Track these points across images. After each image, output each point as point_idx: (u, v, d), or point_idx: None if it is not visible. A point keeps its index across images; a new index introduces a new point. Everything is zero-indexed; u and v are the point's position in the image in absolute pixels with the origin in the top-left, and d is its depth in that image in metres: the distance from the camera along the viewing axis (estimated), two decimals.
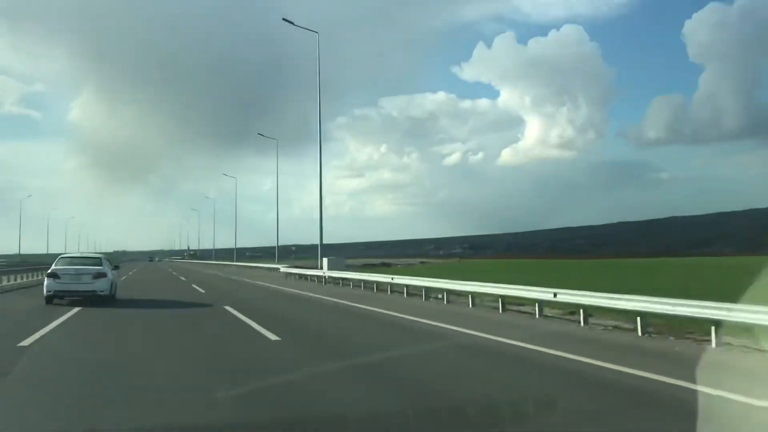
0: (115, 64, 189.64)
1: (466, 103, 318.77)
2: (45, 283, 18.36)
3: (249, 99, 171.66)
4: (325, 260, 35.74)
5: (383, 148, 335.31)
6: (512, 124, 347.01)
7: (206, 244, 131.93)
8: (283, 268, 44.23)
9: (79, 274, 18.31)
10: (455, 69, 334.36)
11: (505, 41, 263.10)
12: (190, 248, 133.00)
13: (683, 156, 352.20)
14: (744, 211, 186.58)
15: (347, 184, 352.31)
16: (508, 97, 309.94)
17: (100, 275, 18.51)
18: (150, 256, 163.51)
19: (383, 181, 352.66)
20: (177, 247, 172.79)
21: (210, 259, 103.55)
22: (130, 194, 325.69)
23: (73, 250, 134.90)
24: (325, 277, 32.74)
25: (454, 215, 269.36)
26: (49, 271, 18.74)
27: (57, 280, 18.02)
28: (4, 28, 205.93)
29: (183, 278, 39.89)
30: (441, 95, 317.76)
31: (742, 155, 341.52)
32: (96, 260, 20.21)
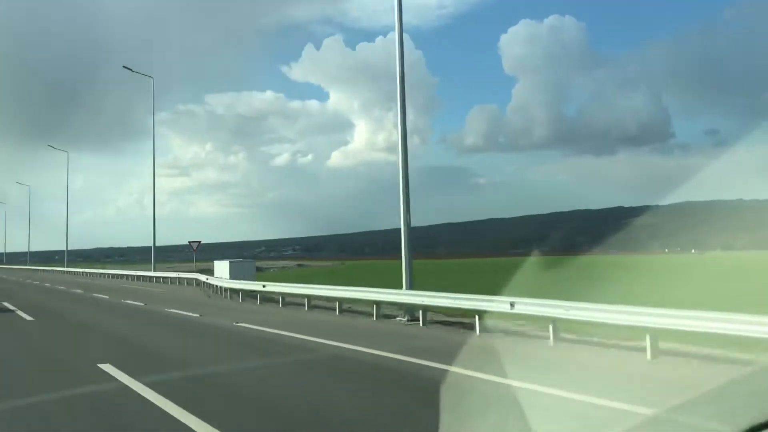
0: None
1: (296, 104, 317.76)
2: None
3: (59, 90, 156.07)
4: (225, 264, 28.22)
5: (209, 147, 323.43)
6: (342, 127, 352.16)
7: (13, 247, 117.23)
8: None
9: None
10: (284, 68, 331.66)
11: (334, 44, 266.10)
12: None
13: (498, 162, 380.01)
14: (549, 214, 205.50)
15: (170, 183, 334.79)
16: (338, 100, 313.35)
17: None
18: None
19: (209, 181, 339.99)
20: None
21: (24, 263, 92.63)
22: None
23: None
24: (225, 289, 23.94)
25: (284, 217, 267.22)
26: None
27: None
28: None
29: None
30: (269, 94, 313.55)
31: (550, 164, 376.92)
32: None
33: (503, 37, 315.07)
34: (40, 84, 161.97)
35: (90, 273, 52.60)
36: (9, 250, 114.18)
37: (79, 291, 29.07)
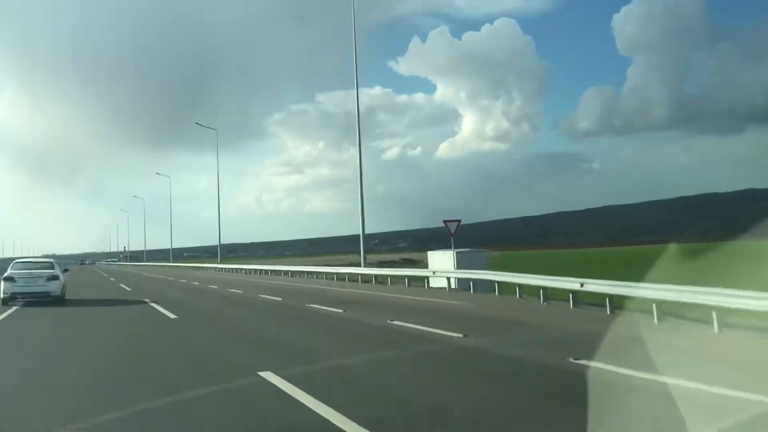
0: (38, 62, 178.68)
1: (403, 98, 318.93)
2: (2, 286, 18.78)
3: (182, 96, 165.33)
4: (449, 255, 22.78)
5: (321, 144, 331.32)
6: (449, 118, 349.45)
7: (140, 245, 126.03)
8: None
9: (33, 277, 19.23)
10: (391, 63, 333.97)
11: (439, 35, 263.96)
12: (125, 249, 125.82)
13: (613, 146, 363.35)
14: (674, 199, 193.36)
15: (285, 181, 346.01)
16: (445, 91, 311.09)
17: (53, 278, 19.39)
18: (81, 259, 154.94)
19: (322, 177, 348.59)
20: (110, 249, 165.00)
21: (142, 260, 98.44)
22: (59, 196, 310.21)
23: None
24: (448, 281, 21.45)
25: (395, 210, 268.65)
26: (5, 275, 19.16)
27: (13, 283, 18.81)
28: None
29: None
30: (378, 90, 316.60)
31: (669, 146, 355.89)
32: (48, 264, 20.78)
33: (616, 17, 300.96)
34: (165, 91, 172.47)
35: (227, 269, 49.91)
36: (135, 248, 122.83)
37: (239, 291, 24.27)
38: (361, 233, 30.07)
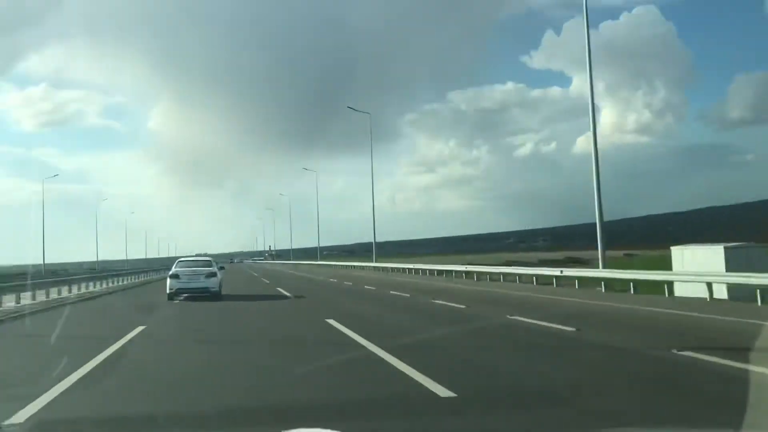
0: (189, 72, 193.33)
1: (537, 92, 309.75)
2: (168, 282, 20.76)
3: (319, 101, 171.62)
4: (715, 251, 17.74)
5: (452, 143, 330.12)
6: (586, 111, 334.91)
7: (283, 244, 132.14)
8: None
9: (194, 274, 20.93)
10: (524, 58, 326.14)
11: (574, 26, 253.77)
12: (272, 248, 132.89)
13: None
14: None
15: (418, 180, 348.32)
16: (581, 84, 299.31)
17: (212, 275, 21.04)
18: (230, 257, 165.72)
19: (454, 176, 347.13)
20: (256, 248, 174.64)
21: (288, 258, 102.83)
22: (209, 198, 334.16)
23: (153, 255, 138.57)
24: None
25: (529, 207, 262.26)
26: (170, 272, 21.17)
27: (178, 280, 20.55)
28: (84, 42, 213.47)
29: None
30: (510, 86, 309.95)
31: None
32: (207, 262, 22.72)
33: None
34: (302, 98, 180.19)
35: (377, 268, 48.02)
36: (278, 246, 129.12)
37: (407, 294, 21.70)
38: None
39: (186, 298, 20.16)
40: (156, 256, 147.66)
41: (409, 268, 42.03)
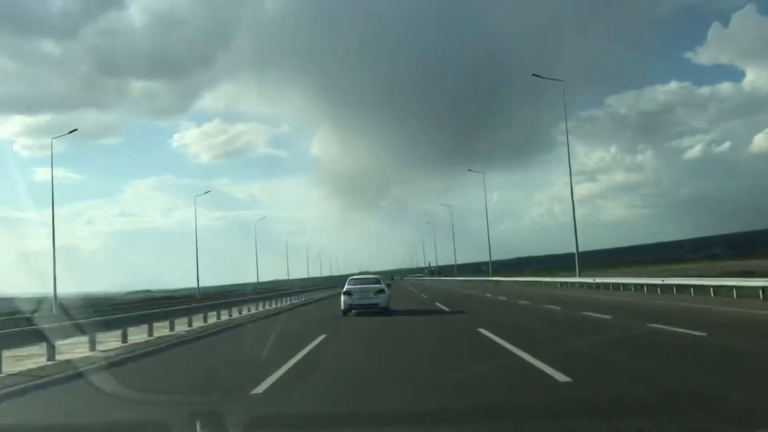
0: (346, 98, 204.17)
1: (705, 90, 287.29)
2: (342, 299, 22.43)
3: (472, 114, 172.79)
4: None
5: (613, 149, 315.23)
6: (763, 106, 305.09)
7: (441, 260, 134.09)
8: None
9: (365, 291, 22.49)
10: (688, 54, 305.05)
11: (745, 16, 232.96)
12: (430, 264, 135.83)
13: None
14: None
15: (578, 190, 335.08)
16: (756, 77, 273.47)
17: (381, 291, 22.54)
18: (392, 275, 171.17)
19: (616, 184, 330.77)
20: (412, 266, 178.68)
21: (452, 274, 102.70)
22: (367, 218, 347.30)
23: (316, 274, 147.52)
24: None
25: (700, 213, 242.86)
26: (344, 289, 22.77)
27: (350, 297, 22.16)
28: (252, 80, 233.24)
29: None
30: (673, 85, 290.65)
31: None
32: (375, 280, 24.44)
33: None
34: (455, 112, 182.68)
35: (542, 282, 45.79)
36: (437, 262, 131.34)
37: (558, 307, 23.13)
38: None
39: (357, 313, 21.71)
40: (319, 275, 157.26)
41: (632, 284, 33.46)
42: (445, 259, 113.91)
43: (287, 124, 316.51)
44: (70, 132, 53.25)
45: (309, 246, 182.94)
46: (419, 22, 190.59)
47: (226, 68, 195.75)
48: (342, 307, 22.22)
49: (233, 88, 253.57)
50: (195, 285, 68.87)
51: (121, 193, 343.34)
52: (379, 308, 21.91)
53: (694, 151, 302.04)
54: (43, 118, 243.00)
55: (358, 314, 21.67)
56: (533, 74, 44.21)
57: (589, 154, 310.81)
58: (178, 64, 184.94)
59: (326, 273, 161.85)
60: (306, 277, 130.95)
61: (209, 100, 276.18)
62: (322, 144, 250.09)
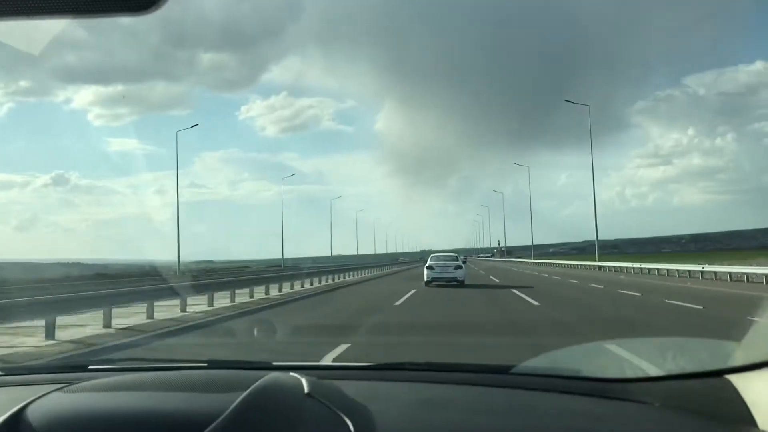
0: (411, 73, 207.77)
1: None
2: (425, 272, 26.74)
3: (541, 91, 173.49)
4: None
5: (691, 131, 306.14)
6: None
7: (508, 241, 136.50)
8: None
9: (445, 266, 26.62)
10: None
11: None
12: (500, 244, 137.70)
13: None
14: None
15: (651, 174, 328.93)
16: None
17: (458, 267, 26.58)
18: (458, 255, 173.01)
19: (693, 168, 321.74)
20: (477, 245, 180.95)
21: (522, 255, 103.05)
22: (432, 196, 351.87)
23: (381, 251, 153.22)
24: None
25: None
26: (427, 264, 27.26)
27: (432, 271, 26.48)
28: (319, 53, 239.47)
29: None
30: (759, 65, 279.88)
31: None
32: (453, 257, 28.33)
33: None
34: (524, 90, 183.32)
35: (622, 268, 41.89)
36: (507, 242, 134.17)
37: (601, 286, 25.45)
38: None
39: (438, 285, 25.32)
40: (384, 251, 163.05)
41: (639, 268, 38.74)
42: (511, 240, 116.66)
43: (353, 99, 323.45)
44: (192, 126, 60.53)
45: (373, 222, 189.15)
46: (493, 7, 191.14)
47: (294, 41, 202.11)
48: (425, 279, 26.25)
49: (300, 62, 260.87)
50: (256, 257, 74.99)
51: (191, 164, 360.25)
52: (457, 281, 25.81)
53: None
54: (115, 89, 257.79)
55: (439, 286, 25.22)
56: (566, 100, 50.61)
57: (664, 136, 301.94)
58: (246, 36, 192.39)
59: (391, 250, 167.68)
60: (370, 253, 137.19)
61: (276, 73, 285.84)
62: (388, 120, 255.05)
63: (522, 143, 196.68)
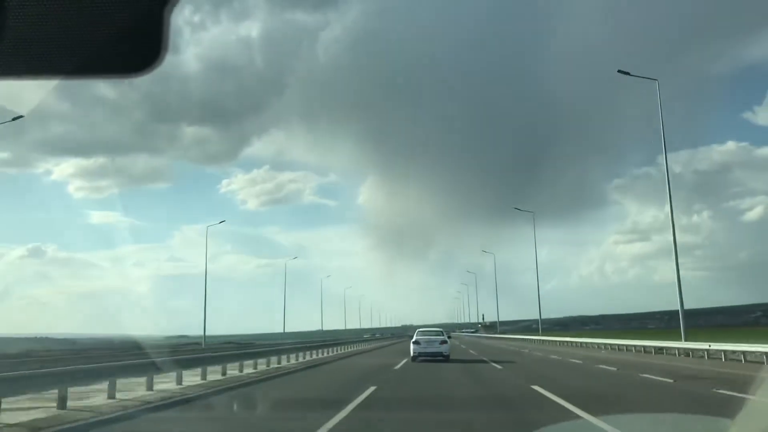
0: (393, 148, 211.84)
1: (765, 151, 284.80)
2: (411, 347, 27.23)
3: (521, 167, 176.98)
4: None
5: (667, 208, 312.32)
6: None
7: (487, 317, 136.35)
8: None
9: (431, 341, 27.26)
10: (747, 115, 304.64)
11: None
12: (484, 318, 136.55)
13: None
14: None
15: (629, 249, 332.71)
16: None
17: (444, 342, 27.28)
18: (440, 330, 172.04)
19: (670, 245, 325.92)
20: (459, 320, 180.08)
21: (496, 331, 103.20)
22: (413, 270, 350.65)
23: (366, 326, 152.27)
24: None
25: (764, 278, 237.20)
26: (413, 339, 27.77)
27: (419, 346, 26.91)
28: (302, 128, 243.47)
29: None
30: (731, 145, 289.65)
31: None
32: (438, 332, 29.22)
33: None
34: (503, 165, 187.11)
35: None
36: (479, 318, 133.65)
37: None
38: None
39: (422, 360, 25.95)
40: (367, 326, 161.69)
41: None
42: (493, 315, 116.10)
43: (334, 173, 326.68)
44: (220, 222, 60.69)
45: (356, 298, 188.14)
46: (470, 74, 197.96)
47: (276, 116, 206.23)
48: (411, 354, 26.78)
49: (283, 136, 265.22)
50: (235, 332, 73.77)
51: (170, 238, 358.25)
52: (443, 356, 26.50)
53: (755, 213, 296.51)
54: (97, 161, 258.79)
55: (424, 361, 25.91)
56: (619, 71, 35.26)
57: (642, 213, 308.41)
58: (229, 111, 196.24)
59: (375, 325, 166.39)
60: (353, 328, 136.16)
61: (258, 147, 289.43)
62: (369, 193, 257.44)
63: (501, 219, 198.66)
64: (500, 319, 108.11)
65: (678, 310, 32.06)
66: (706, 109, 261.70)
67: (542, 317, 68.17)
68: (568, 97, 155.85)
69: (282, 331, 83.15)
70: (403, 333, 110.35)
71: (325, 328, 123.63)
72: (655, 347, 33.45)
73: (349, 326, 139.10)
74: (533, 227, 61.42)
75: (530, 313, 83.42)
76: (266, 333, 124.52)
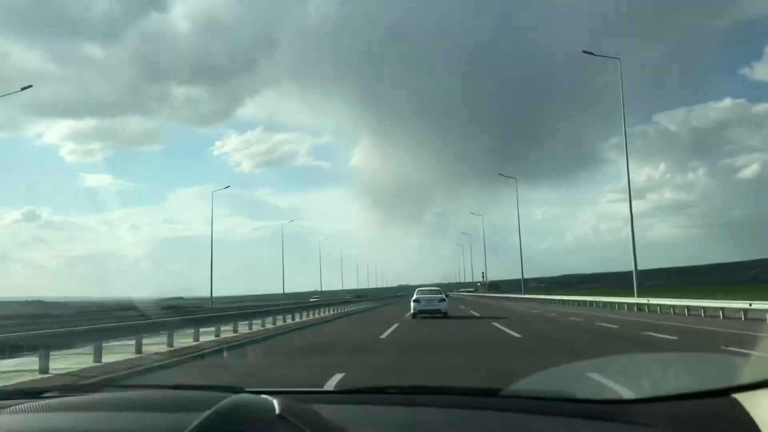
0: (387, 109, 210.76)
1: (762, 107, 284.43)
2: (412, 305, 29.19)
3: (516, 127, 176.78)
4: None
5: (662, 167, 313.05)
6: None
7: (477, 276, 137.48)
8: None
9: (430, 299, 29.28)
10: (744, 71, 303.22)
11: None
12: (484, 276, 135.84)
13: None
14: None
15: (624, 209, 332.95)
16: None
17: (442, 300, 29.38)
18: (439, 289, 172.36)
19: (665, 202, 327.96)
20: (457, 280, 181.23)
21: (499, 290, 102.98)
22: (409, 231, 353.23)
23: (364, 286, 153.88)
24: None
25: (757, 236, 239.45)
26: (413, 298, 29.62)
27: (419, 304, 28.93)
28: (295, 89, 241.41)
29: None
30: (727, 102, 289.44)
31: None
32: (437, 291, 31.30)
33: None
34: (499, 125, 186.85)
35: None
36: (476, 278, 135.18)
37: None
38: None
39: (422, 317, 27.67)
40: (363, 286, 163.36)
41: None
42: (491, 275, 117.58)
43: (329, 134, 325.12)
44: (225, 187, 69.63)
45: (352, 258, 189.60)
46: (467, 35, 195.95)
47: (268, 76, 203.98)
48: (411, 312, 28.61)
49: (276, 97, 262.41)
50: (231, 294, 74.76)
51: (165, 200, 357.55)
52: (441, 313, 28.28)
53: (750, 171, 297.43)
54: (89, 123, 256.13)
55: (423, 318, 27.58)
56: (584, 51, 37.48)
57: (637, 171, 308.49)
58: (220, 70, 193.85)
59: (372, 285, 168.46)
60: (347, 288, 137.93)
61: (251, 107, 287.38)
62: (363, 155, 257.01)
63: (495, 180, 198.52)
64: (498, 279, 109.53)
65: (675, 267, 32.57)
66: (703, 66, 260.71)
67: (537, 276, 69.66)
68: (566, 58, 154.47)
69: (282, 291, 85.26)
70: (393, 294, 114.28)
71: (324, 289, 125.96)
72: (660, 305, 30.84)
73: (347, 287, 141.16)
74: (515, 192, 63.16)
75: (529, 272, 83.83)
76: (266, 294, 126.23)
